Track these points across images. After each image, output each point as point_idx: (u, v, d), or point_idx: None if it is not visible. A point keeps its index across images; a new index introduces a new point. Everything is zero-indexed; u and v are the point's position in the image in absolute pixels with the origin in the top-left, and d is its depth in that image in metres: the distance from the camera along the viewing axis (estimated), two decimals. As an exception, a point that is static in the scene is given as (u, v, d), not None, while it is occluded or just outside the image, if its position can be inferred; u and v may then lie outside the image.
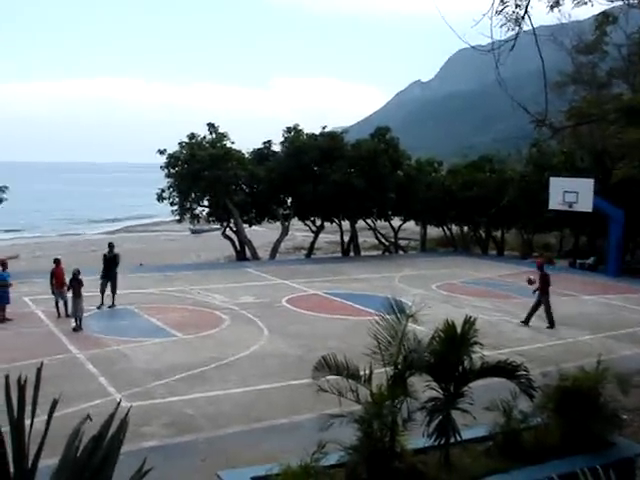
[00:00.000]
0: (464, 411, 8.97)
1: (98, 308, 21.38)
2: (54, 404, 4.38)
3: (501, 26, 9.91)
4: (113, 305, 21.80)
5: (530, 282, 21.06)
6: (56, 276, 20.39)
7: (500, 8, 9.73)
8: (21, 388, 4.06)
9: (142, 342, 17.63)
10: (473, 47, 11.03)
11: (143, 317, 20.66)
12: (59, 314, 20.17)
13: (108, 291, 21.86)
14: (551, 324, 20.56)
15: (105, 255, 22.57)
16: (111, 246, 23.00)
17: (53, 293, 20.37)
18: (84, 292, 19.65)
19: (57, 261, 20.95)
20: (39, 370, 4.26)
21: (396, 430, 8.57)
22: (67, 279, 19.96)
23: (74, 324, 19.01)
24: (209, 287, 25.94)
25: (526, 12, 9.93)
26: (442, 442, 8.91)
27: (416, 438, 8.88)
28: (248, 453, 10.48)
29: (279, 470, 8.32)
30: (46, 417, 4.29)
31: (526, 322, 20.68)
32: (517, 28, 10.12)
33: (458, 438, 8.93)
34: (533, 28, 10.24)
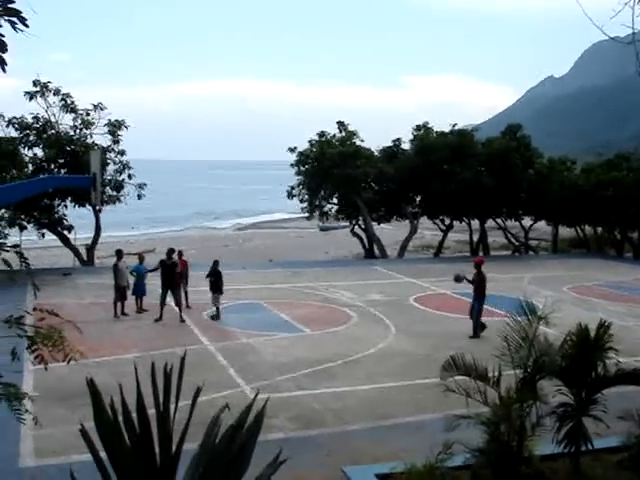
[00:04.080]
0: (596, 419, 8.71)
1: (156, 321, 19.68)
2: (197, 392, 4.63)
3: (644, 15, 9.44)
4: (182, 320, 19.67)
5: (458, 280, 18.96)
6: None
7: (643, -4, 9.27)
8: (167, 375, 4.31)
9: (270, 336, 18.08)
10: (612, 39, 10.60)
11: (272, 312, 21.15)
12: (187, 305, 21.05)
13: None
14: (475, 333, 18.17)
15: (163, 261, 20.40)
16: (170, 252, 20.55)
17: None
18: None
19: (179, 253, 21.55)
20: (183, 359, 4.50)
21: (524, 434, 8.44)
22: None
23: (213, 313, 20.07)
24: (337, 284, 26.22)
25: (673, -1, 9.42)
26: (572, 450, 8.69)
27: (545, 444, 8.70)
28: (372, 450, 10.54)
29: (403, 469, 8.39)
30: (184, 404, 4.56)
31: (475, 334, 18.19)
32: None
33: (589, 446, 8.68)
34: (680, 16, 9.70)
